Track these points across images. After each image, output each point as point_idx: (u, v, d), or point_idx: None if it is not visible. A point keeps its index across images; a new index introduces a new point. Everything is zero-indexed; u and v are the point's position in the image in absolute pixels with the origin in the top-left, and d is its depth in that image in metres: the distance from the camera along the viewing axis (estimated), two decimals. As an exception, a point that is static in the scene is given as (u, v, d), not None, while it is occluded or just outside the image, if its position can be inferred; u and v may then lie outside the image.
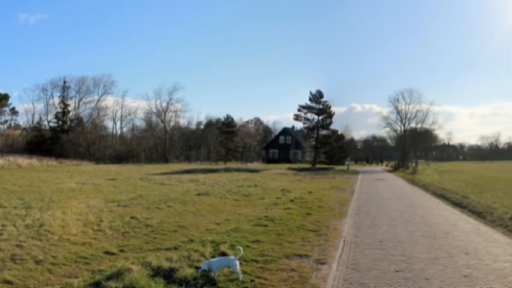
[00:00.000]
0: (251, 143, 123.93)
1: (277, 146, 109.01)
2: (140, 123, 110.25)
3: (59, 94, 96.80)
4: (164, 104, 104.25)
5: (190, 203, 20.63)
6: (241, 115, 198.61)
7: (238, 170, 59.41)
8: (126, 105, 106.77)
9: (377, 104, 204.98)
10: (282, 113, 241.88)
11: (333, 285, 8.49)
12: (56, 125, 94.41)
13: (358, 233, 14.00)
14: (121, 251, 11.16)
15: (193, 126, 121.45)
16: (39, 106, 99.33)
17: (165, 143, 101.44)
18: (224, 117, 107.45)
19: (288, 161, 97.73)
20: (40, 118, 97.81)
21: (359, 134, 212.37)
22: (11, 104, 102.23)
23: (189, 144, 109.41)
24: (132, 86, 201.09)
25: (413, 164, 78.38)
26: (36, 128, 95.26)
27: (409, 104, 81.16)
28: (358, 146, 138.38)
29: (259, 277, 8.78)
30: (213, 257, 9.75)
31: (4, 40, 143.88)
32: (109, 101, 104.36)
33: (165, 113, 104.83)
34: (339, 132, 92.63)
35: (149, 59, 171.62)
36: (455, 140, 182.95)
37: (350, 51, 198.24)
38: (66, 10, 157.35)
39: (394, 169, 74.83)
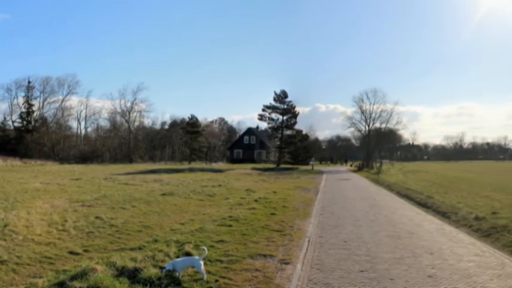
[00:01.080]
0: (215, 143, 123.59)
1: (241, 146, 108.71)
2: (105, 123, 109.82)
3: (23, 94, 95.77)
4: (128, 104, 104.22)
5: (154, 203, 20.44)
6: (206, 115, 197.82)
7: (202, 170, 58.99)
8: (91, 105, 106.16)
9: (341, 104, 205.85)
10: (246, 113, 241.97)
11: (298, 285, 8.48)
12: (20, 125, 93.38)
13: (322, 233, 13.99)
14: (85, 251, 10.99)
15: (157, 126, 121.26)
16: (4, 106, 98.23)
17: (129, 143, 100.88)
18: (189, 117, 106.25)
19: (253, 161, 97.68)
20: (4, 118, 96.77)
21: (323, 134, 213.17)
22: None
23: (154, 144, 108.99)
24: (96, 86, 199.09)
25: (378, 164, 78.17)
26: (1, 128, 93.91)
27: (374, 104, 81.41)
28: (323, 146, 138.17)
29: (224, 277, 8.77)
30: (178, 257, 9.73)
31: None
32: (73, 101, 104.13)
33: (129, 113, 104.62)
34: (304, 132, 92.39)
35: (114, 59, 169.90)
36: (420, 140, 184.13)
37: (314, 51, 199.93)
38: (29, 10, 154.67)
39: (359, 169, 74.36)
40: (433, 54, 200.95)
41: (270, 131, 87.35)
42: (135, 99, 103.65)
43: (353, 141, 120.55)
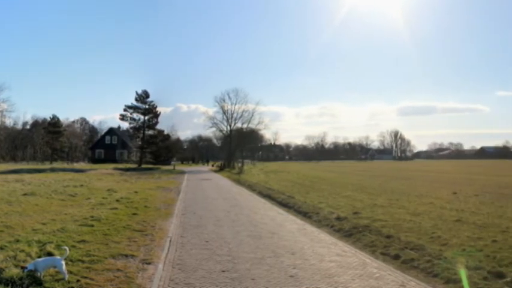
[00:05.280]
0: (77, 143, 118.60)
1: (103, 146, 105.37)
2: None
3: None
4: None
5: (16, 203, 19.13)
6: (68, 115, 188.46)
7: (64, 170, 55.86)
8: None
9: (203, 104, 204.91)
10: (108, 113, 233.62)
11: (159, 285, 8.23)
12: None
13: (184, 233, 13.59)
14: None
15: (19, 126, 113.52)
16: None
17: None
18: (50, 117, 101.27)
19: (114, 161, 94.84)
20: None
21: (185, 134, 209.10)
22: None
23: (15, 144, 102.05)
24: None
25: (240, 164, 77.50)
26: None
27: (235, 104, 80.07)
28: (184, 146, 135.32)
29: (86, 277, 8.50)
30: (39, 257, 9.34)
31: None
32: None
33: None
34: (165, 132, 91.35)
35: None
36: (282, 140, 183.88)
37: (175, 51, 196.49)
38: None
39: (220, 169, 72.96)
40: (294, 54, 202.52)
41: (131, 131, 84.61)
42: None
43: (215, 141, 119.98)
